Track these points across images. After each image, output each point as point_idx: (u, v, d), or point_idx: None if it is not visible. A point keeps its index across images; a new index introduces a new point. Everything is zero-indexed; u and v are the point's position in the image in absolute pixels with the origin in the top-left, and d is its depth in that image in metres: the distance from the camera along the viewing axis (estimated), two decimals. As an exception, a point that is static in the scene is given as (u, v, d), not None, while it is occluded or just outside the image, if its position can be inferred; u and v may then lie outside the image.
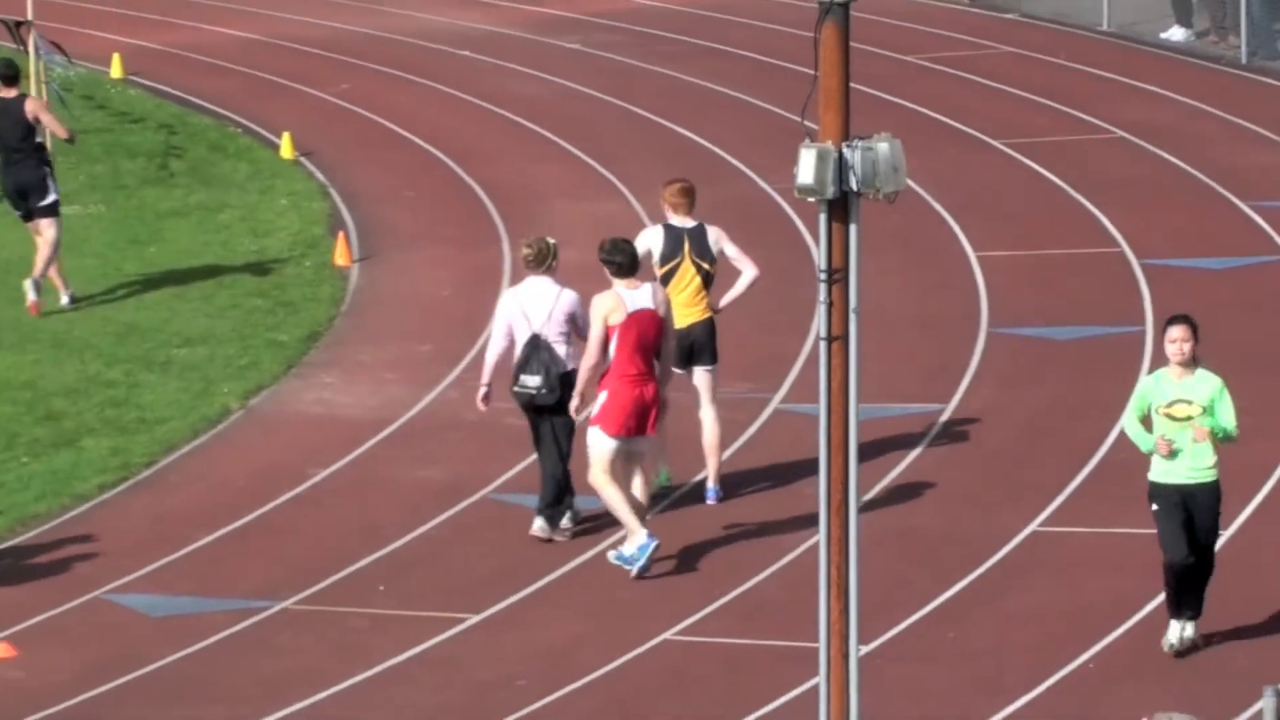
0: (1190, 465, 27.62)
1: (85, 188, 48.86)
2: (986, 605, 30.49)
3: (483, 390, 33.77)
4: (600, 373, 32.95)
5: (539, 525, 33.22)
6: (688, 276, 36.19)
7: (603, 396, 33.52)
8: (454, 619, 30.89)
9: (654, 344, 34.24)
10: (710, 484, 36.03)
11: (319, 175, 49.35)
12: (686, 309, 36.29)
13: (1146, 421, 28.15)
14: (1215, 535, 28.46)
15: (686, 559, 33.46)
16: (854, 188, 16.77)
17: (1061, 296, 41.57)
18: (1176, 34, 58.22)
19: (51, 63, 49.67)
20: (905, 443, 36.13)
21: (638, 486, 33.72)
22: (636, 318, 33.74)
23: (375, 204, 47.63)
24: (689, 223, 36.39)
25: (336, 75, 55.52)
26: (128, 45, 56.11)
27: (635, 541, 32.92)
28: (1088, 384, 38.00)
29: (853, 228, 16.98)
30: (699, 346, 36.57)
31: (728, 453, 36.07)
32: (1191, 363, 27.97)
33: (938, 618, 29.90)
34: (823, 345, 14.80)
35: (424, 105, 53.33)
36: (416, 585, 32.33)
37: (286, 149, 50.94)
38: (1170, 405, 27.95)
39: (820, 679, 15.90)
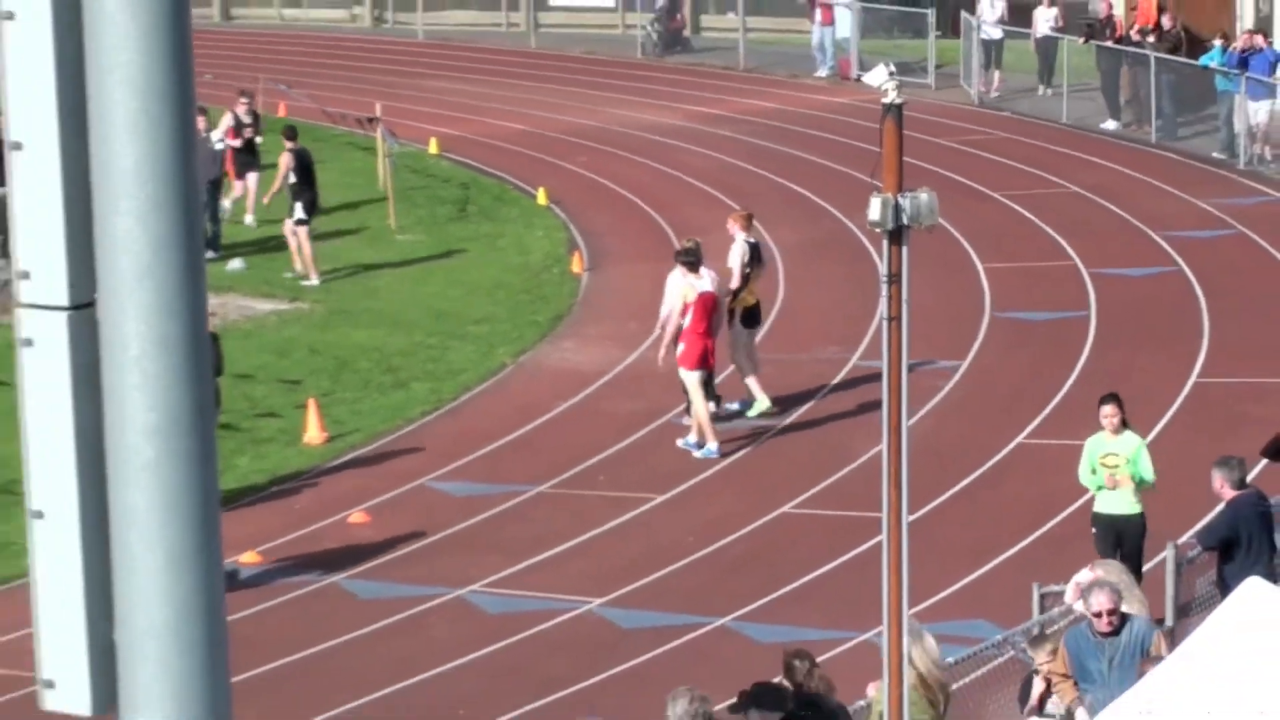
0: (1120, 502, 27.72)
1: (413, 223, 49.50)
2: (989, 490, 31.71)
3: (665, 347, 35.32)
4: (678, 331, 34.90)
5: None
6: (757, 272, 38.20)
7: (682, 346, 35.28)
8: (648, 498, 32.17)
9: (713, 312, 36.14)
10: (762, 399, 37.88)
11: (562, 215, 49.71)
12: (751, 292, 38.00)
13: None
14: (1139, 558, 27.80)
15: (797, 461, 34.85)
16: (905, 222, 18.38)
17: (1037, 292, 42.39)
18: (1110, 124, 57.39)
19: (391, 142, 50.06)
20: (937, 384, 37.11)
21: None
22: (703, 296, 35.66)
23: (598, 234, 48.37)
24: (752, 239, 38.37)
25: (575, 152, 55.53)
26: (441, 132, 56.11)
27: (707, 444, 35.47)
28: (1055, 349, 39.03)
29: (904, 248, 18.31)
30: (758, 314, 38.65)
31: (823, 392, 36.99)
32: (1121, 427, 28.38)
33: (956, 498, 32.06)
34: (885, 323, 15.92)
35: (631, 171, 53.31)
36: (625, 477, 33.94)
37: (542, 199, 50.45)
38: (1104, 457, 28.09)
39: (884, 536, 16.52)
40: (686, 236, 38.42)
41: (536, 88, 63.92)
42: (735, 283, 37.40)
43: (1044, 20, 62.84)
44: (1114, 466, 27.73)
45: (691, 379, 35.41)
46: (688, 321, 35.59)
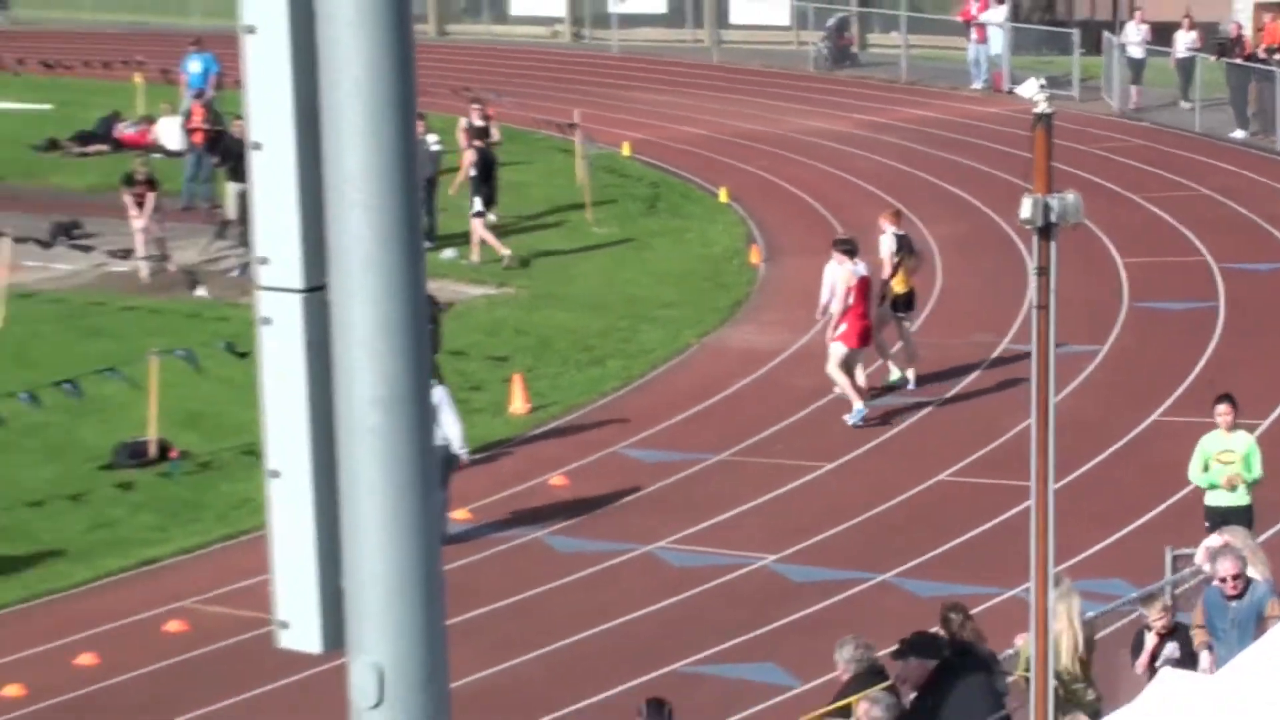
0: (1231, 495, 27.17)
1: (608, 218, 49.69)
2: (1127, 461, 31.62)
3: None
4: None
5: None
6: (908, 262, 38.00)
7: (843, 326, 35.59)
8: (818, 466, 32.60)
9: (869, 295, 36.50)
10: (911, 377, 38.15)
11: (741, 212, 50.05)
12: (905, 280, 38.08)
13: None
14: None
15: (954, 434, 35.13)
16: (1053, 220, 18.34)
17: (1171, 284, 42.21)
18: (1238, 134, 56.99)
19: (588, 146, 50.46)
20: (1079, 366, 36.89)
21: (860, 374, 36.44)
22: (862, 280, 36.10)
23: (773, 229, 48.40)
24: (900, 231, 38.47)
25: (754, 155, 55.66)
26: (633, 137, 56.04)
27: (856, 407, 35.55)
28: (1187, 336, 38.85)
29: (1052, 244, 18.27)
30: (912, 300, 38.82)
31: (976, 372, 36.93)
32: (1234, 425, 27.90)
33: (1096, 468, 32.11)
34: (1034, 311, 15.92)
35: (803, 173, 53.19)
36: (799, 446, 33.91)
37: (723, 197, 50.59)
38: (1220, 454, 27.65)
39: (1032, 501, 16.47)
40: (849, 231, 39.11)
41: (718, 97, 64.06)
42: (886, 272, 37.83)
43: (1183, 42, 62.61)
44: (1229, 462, 27.30)
45: (839, 352, 35.75)
46: (849, 303, 35.81)
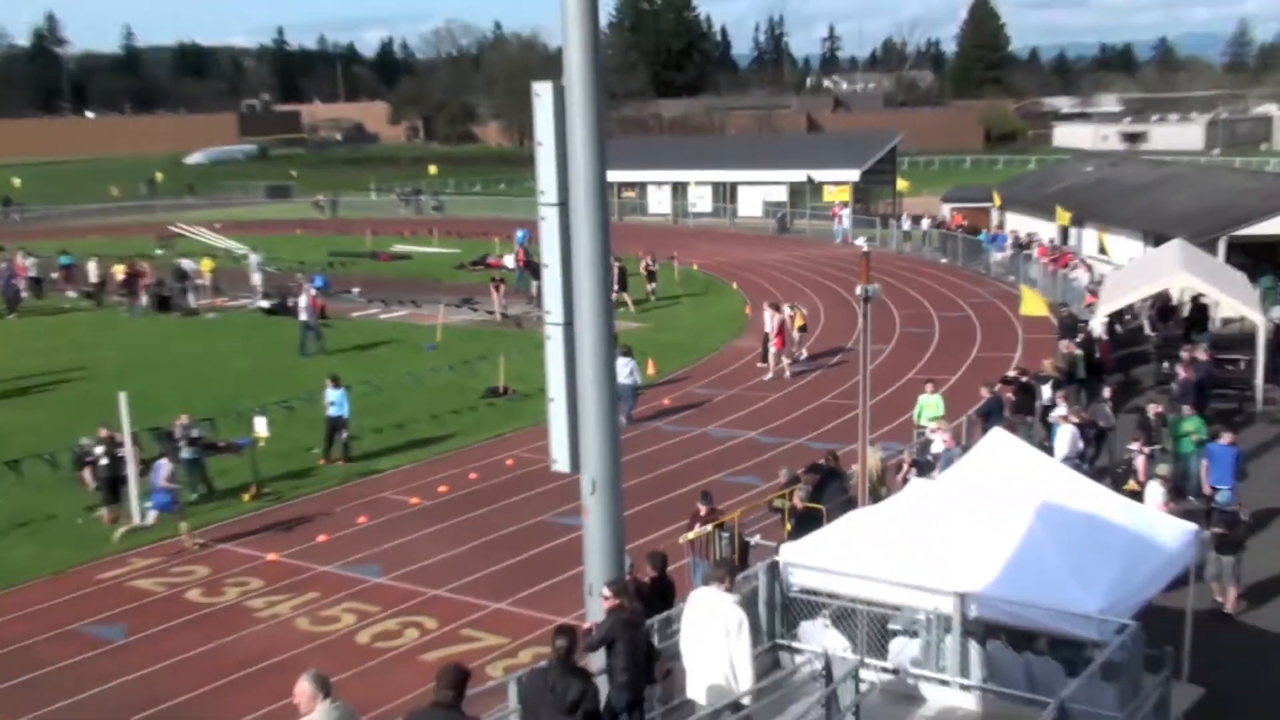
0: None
1: (686, 294, 46.95)
2: (897, 396, 30.71)
3: None
4: None
5: None
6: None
7: (777, 339, 33.54)
8: (765, 395, 31.10)
9: (784, 325, 34.30)
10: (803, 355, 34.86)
11: (741, 291, 47.62)
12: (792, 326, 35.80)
13: None
14: None
15: (827, 381, 32.74)
16: (869, 294, 18.31)
17: (918, 321, 40.93)
18: (944, 260, 56.49)
19: (679, 265, 50.88)
20: (878, 353, 33.77)
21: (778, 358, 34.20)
22: (780, 321, 33.56)
23: (754, 297, 43.82)
24: (779, 311, 34.19)
25: (747, 269, 54.29)
26: (699, 260, 54.45)
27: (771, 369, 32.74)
28: (924, 342, 37.87)
29: (868, 303, 18.14)
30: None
31: (835, 357, 35.59)
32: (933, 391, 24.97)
33: (884, 399, 28.67)
34: (862, 332, 15.80)
35: (765, 274, 52.14)
36: (757, 384, 32.58)
37: (735, 285, 49.54)
38: (928, 405, 24.41)
39: (861, 409, 15.71)
40: (779, 298, 37.50)
41: (733, 246, 63.00)
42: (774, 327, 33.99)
43: (920, 223, 62.34)
44: (935, 414, 23.77)
45: (775, 349, 33.75)
46: (776, 329, 33.63)
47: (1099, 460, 23.13)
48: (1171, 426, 23.15)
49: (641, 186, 77.68)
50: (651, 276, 46.36)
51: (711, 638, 10.64)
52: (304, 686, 8.79)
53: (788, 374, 33.49)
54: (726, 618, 10.58)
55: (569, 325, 11.61)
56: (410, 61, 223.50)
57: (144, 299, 46.61)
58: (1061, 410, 22.90)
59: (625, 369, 28.87)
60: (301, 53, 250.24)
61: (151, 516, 21.70)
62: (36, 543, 22.10)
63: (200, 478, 24.44)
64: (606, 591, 11.12)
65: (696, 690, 10.84)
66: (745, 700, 10.56)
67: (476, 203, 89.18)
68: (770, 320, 34.47)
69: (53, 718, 15.49)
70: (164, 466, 21.79)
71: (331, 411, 26.49)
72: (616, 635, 10.69)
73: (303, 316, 37.97)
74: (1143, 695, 11.44)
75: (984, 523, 12.62)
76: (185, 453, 24.10)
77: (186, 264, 48.97)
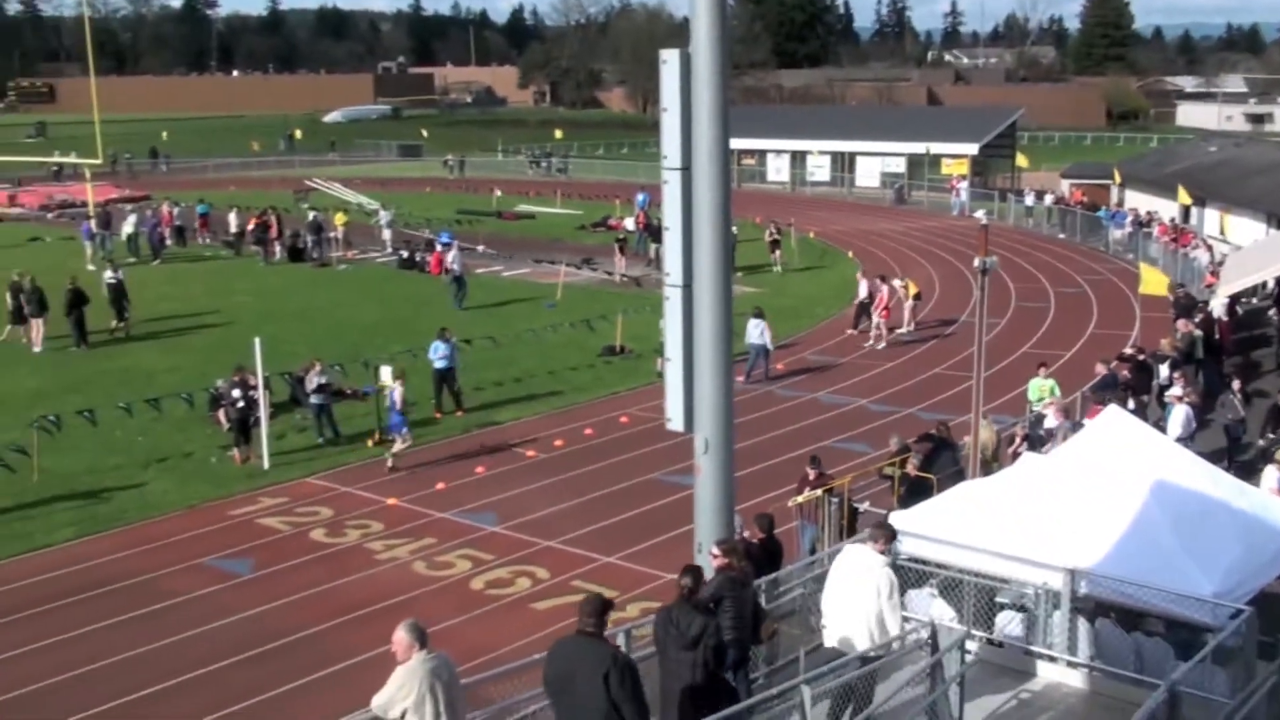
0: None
1: (802, 262, 47.09)
2: (1010, 369, 30.12)
3: None
4: None
5: None
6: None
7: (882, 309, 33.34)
8: (877, 364, 30.75)
9: (893, 295, 33.76)
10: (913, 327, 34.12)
11: (857, 260, 47.71)
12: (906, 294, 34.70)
13: None
14: None
15: (939, 352, 32.30)
16: (986, 267, 17.89)
17: (1032, 295, 40.45)
18: (1061, 236, 55.40)
19: (797, 233, 50.77)
20: (994, 326, 33.39)
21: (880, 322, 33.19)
22: (890, 289, 33.39)
23: (869, 266, 43.39)
24: (881, 284, 34.03)
25: (862, 238, 53.86)
26: (815, 229, 54.41)
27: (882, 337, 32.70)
28: (1039, 317, 37.31)
29: (986, 276, 17.81)
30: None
31: (951, 328, 35.07)
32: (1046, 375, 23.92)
33: (1002, 368, 27.97)
34: (979, 303, 15.46)
35: (881, 245, 52.09)
36: (865, 349, 32.22)
37: (850, 254, 49.21)
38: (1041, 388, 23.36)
39: (974, 381, 15.43)
40: (898, 270, 36.87)
41: (849, 216, 62.43)
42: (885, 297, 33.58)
43: (1041, 198, 61.00)
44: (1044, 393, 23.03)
45: (880, 319, 33.41)
46: (884, 298, 33.37)
47: (1239, 456, 21.58)
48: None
49: (761, 154, 76.92)
50: (775, 246, 45.33)
51: (858, 594, 10.56)
52: (401, 636, 8.81)
53: (882, 344, 32.80)
54: (879, 579, 10.53)
55: (688, 287, 11.45)
56: (540, 28, 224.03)
57: (278, 250, 47.47)
58: (1177, 390, 22.15)
59: (757, 329, 29.53)
60: (436, 17, 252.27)
61: (406, 436, 23.29)
62: (173, 478, 22.60)
63: (327, 423, 24.74)
64: (716, 550, 11.00)
65: (832, 640, 10.79)
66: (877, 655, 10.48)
67: (599, 166, 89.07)
68: (864, 288, 34.55)
69: (178, 647, 15.74)
70: (397, 391, 23.14)
71: (438, 365, 26.41)
72: (724, 593, 10.55)
73: (455, 269, 38.45)
74: (1256, 682, 11.02)
75: (1096, 499, 12.25)
76: (314, 398, 24.50)
77: (317, 217, 49.59)
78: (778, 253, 45.35)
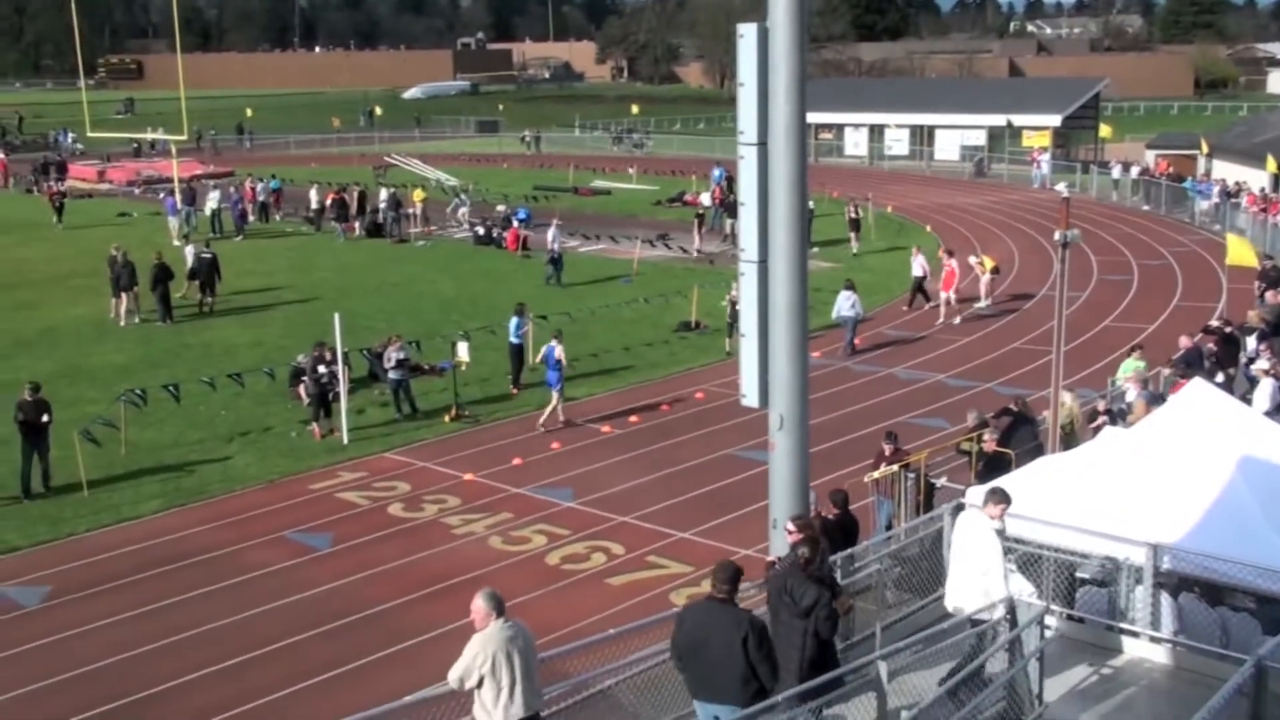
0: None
1: (880, 237, 45.95)
2: (1099, 338, 29.73)
3: None
4: None
5: None
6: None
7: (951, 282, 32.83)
8: (955, 339, 30.38)
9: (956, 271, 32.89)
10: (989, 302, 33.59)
11: (935, 234, 47.18)
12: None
13: None
14: None
15: (1019, 326, 31.80)
16: (1068, 240, 17.59)
17: (1116, 269, 39.73)
18: (1145, 207, 54.58)
19: (875, 208, 50.24)
20: (1075, 300, 33.06)
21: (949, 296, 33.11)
22: (955, 267, 32.75)
23: (948, 240, 42.51)
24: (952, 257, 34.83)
25: (941, 212, 53.08)
26: (894, 203, 53.34)
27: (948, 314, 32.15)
28: (1123, 289, 36.65)
29: (1067, 250, 17.56)
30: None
31: (1030, 301, 34.56)
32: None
33: (1084, 341, 27.79)
34: (1059, 276, 15.18)
35: (961, 219, 50.99)
36: (941, 324, 31.82)
37: (928, 228, 48.72)
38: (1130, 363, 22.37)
39: (1054, 355, 15.15)
40: (978, 243, 36.25)
41: (928, 190, 61.43)
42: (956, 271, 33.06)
43: (1129, 170, 59.83)
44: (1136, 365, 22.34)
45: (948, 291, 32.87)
46: (952, 270, 32.80)
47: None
48: None
49: (839, 128, 76.27)
50: (855, 225, 43.88)
51: (970, 557, 10.78)
52: (479, 604, 8.89)
53: (956, 319, 32.35)
54: (985, 542, 10.76)
55: (763, 263, 11.39)
56: (618, 3, 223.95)
57: (356, 226, 47.93)
58: (1264, 363, 21.60)
59: (848, 302, 29.84)
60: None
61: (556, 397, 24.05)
62: (254, 452, 22.92)
63: (405, 398, 24.93)
64: (791, 526, 10.99)
65: (950, 602, 11.08)
66: (988, 616, 10.66)
67: (675, 141, 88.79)
68: (917, 265, 34.26)
69: (259, 620, 15.96)
70: (556, 348, 23.70)
71: (515, 340, 26.46)
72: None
73: (554, 249, 38.16)
74: (1345, 658, 10.70)
75: (1179, 473, 12.05)
76: (392, 374, 24.69)
77: (392, 193, 49.89)
78: (856, 233, 43.95)
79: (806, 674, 9.61)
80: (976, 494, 12.79)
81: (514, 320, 26.58)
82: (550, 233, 38.81)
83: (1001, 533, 10.87)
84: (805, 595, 9.86)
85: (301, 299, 36.22)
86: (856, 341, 30.27)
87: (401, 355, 24.79)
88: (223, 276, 35.72)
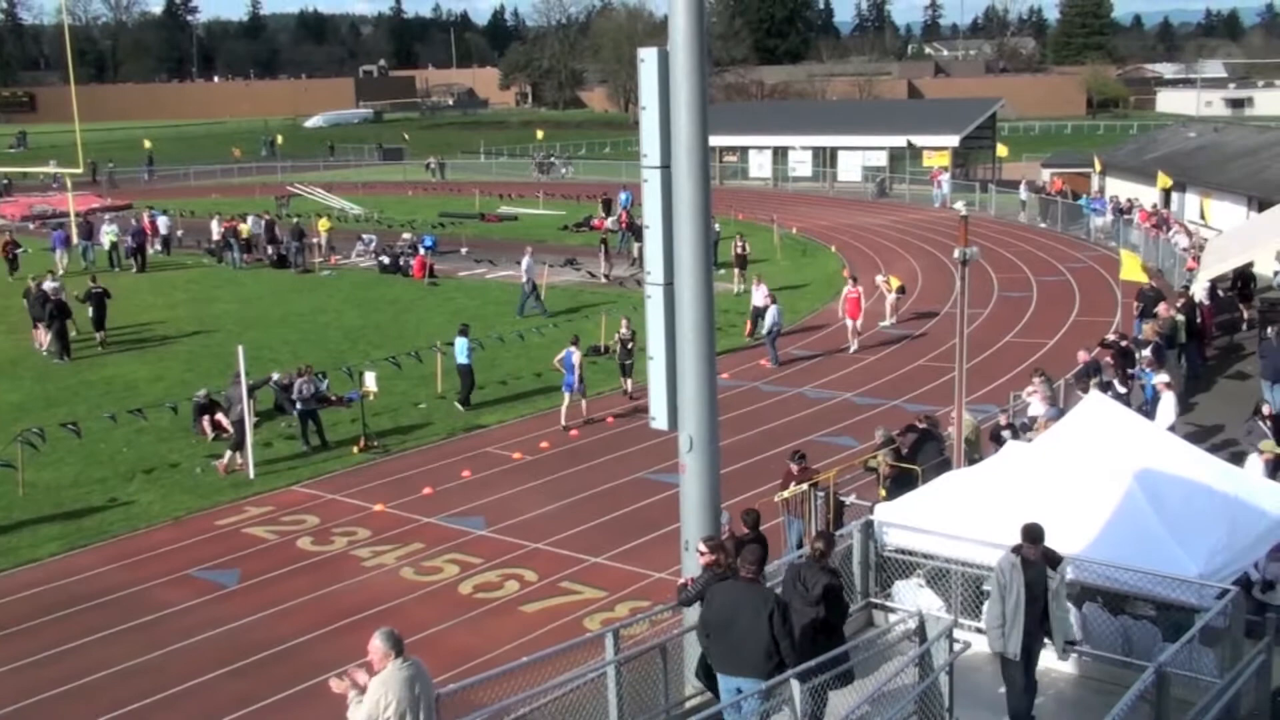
0: None
1: (785, 256, 46.35)
2: (996, 358, 30.08)
3: None
4: None
5: None
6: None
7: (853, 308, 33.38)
8: (861, 358, 30.75)
9: (859, 298, 33.80)
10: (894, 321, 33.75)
11: (840, 254, 47.45)
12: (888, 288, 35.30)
13: None
14: None
15: (926, 343, 32.08)
16: (967, 258, 17.86)
17: (1014, 286, 40.70)
18: (1042, 225, 55.71)
19: (781, 229, 50.64)
20: (975, 318, 33.65)
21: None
22: (859, 292, 33.26)
23: (851, 260, 44.04)
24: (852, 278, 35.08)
25: (843, 232, 54.10)
26: (798, 224, 54.00)
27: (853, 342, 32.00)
28: (1021, 307, 37.14)
29: (966, 267, 17.82)
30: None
31: (932, 320, 35.05)
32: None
33: (986, 357, 28.23)
34: (959, 294, 15.33)
35: (861, 238, 52.17)
36: (846, 344, 32.22)
37: (833, 248, 49.24)
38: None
39: (957, 373, 15.41)
40: (880, 264, 36.53)
41: (831, 210, 62.07)
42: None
43: (1023, 187, 61.04)
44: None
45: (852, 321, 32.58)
46: (853, 299, 32.26)
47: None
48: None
49: (743, 151, 76.87)
50: (742, 262, 40.89)
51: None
52: (377, 644, 8.80)
53: (852, 349, 31.71)
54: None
55: (669, 285, 11.46)
56: (521, 28, 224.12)
57: (236, 252, 47.84)
58: (1164, 377, 22.11)
59: (771, 314, 30.98)
60: (417, 20, 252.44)
61: (569, 396, 25.70)
62: (158, 489, 22.46)
63: (315, 429, 24.65)
64: (702, 547, 11.05)
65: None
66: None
67: (581, 166, 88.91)
68: (758, 295, 33.36)
69: (167, 660, 15.68)
70: (574, 354, 25.54)
71: (464, 360, 27.01)
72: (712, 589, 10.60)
73: (524, 279, 37.33)
74: (1243, 662, 11.06)
75: (1081, 485, 12.30)
76: (299, 405, 24.42)
77: (295, 223, 49.29)
78: (741, 270, 40.67)
79: (813, 657, 10.14)
80: (884, 510, 12.99)
81: (460, 341, 26.94)
82: (525, 262, 37.84)
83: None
84: (817, 585, 10.55)
85: (203, 331, 35.70)
86: (762, 363, 30.45)
87: (311, 387, 24.53)
88: (107, 312, 34.76)
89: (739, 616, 9.96)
